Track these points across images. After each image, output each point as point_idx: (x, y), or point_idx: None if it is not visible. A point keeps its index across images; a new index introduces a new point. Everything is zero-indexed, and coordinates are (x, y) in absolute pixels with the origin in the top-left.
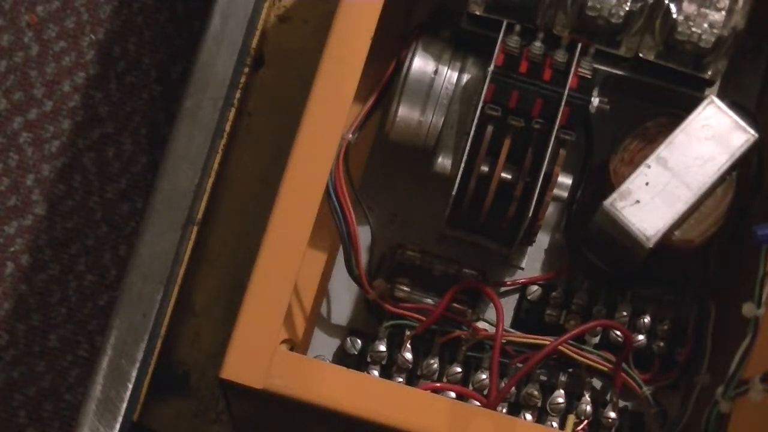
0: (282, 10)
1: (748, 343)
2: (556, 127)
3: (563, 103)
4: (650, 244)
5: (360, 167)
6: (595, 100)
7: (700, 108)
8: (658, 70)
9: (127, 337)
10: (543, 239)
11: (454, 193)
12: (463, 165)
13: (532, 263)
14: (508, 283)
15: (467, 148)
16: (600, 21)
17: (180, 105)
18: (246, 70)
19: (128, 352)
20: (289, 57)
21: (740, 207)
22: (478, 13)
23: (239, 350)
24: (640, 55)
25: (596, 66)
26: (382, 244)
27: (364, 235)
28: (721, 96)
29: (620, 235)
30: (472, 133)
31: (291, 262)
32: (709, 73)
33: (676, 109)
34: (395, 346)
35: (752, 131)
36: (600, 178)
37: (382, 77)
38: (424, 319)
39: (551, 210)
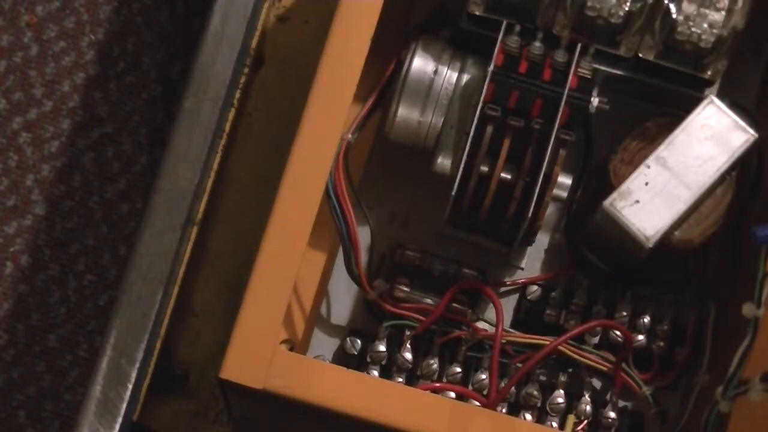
0: (282, 10)
1: (747, 343)
2: (555, 127)
3: (563, 103)
4: (650, 245)
5: (360, 167)
6: (595, 100)
7: (699, 108)
8: (658, 70)
9: (126, 337)
10: (543, 239)
11: (453, 193)
12: (462, 165)
13: (531, 263)
14: (508, 283)
15: (467, 148)
16: (600, 21)
17: (180, 105)
18: (246, 70)
19: (128, 352)
20: (289, 57)
21: (740, 207)
22: (477, 13)
23: (239, 350)
24: (640, 55)
25: (596, 66)
26: (381, 244)
27: (363, 235)
28: (721, 96)
29: (620, 235)
30: (471, 133)
31: (291, 262)
32: (709, 73)
33: (676, 109)
34: (395, 346)
35: (752, 131)
36: (600, 178)
37: (382, 77)
38: (423, 319)
39: (551, 210)
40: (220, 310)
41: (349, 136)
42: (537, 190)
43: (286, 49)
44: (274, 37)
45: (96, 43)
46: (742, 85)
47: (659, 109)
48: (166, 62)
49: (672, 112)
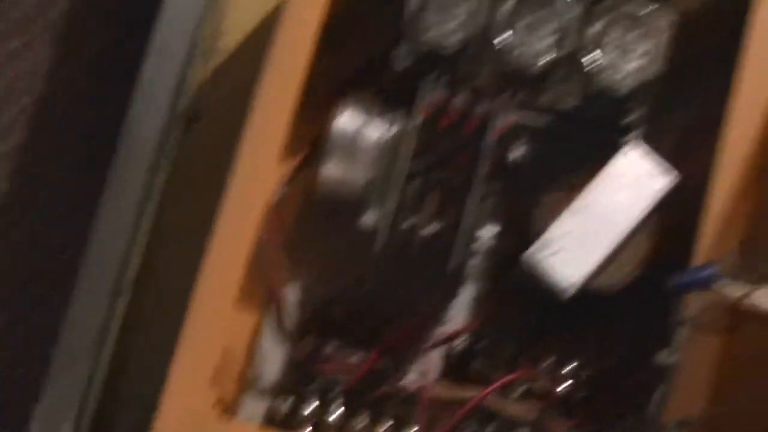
0: (215, 65)
1: (664, 390)
2: (479, 179)
3: (486, 156)
4: (570, 294)
5: (290, 223)
6: (517, 152)
7: (619, 155)
8: (580, 118)
9: (57, 409)
10: (470, 289)
11: (380, 247)
12: (389, 219)
13: (459, 313)
14: (436, 334)
15: (393, 202)
16: (521, 72)
17: (110, 169)
18: (179, 127)
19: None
20: (223, 111)
21: (662, 251)
22: (403, 67)
23: (170, 415)
24: (562, 104)
25: (518, 115)
26: (311, 301)
27: (294, 291)
28: (643, 140)
29: (543, 284)
30: (397, 187)
31: (219, 322)
32: (630, 119)
33: (598, 156)
34: (326, 405)
35: (670, 176)
36: (523, 227)
37: (312, 133)
38: (353, 375)
39: (477, 259)
40: (154, 374)
41: (280, 192)
42: (462, 242)
43: (220, 103)
44: (207, 92)
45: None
46: (663, 130)
47: (581, 157)
48: (95, 124)
49: (594, 158)
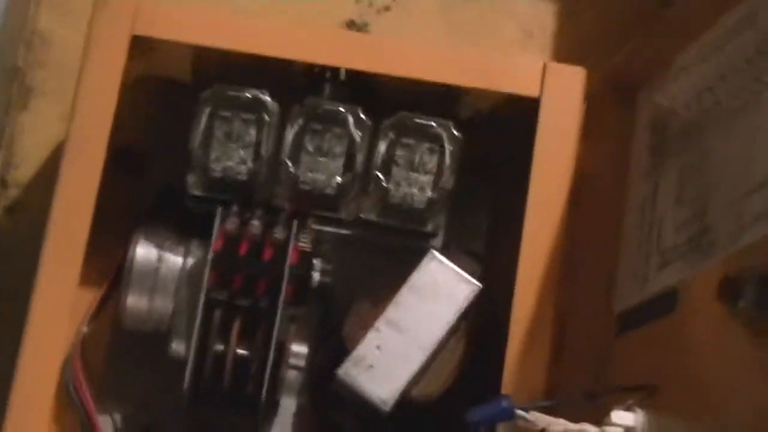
0: (10, 201)
1: None
2: (280, 305)
3: (285, 281)
4: (387, 408)
5: (100, 357)
6: (316, 275)
7: (423, 264)
8: (382, 228)
9: None
10: (290, 404)
11: (188, 377)
12: (194, 349)
13: (283, 430)
14: None
15: (196, 332)
16: (316, 193)
17: None
18: None
19: None
20: (21, 248)
21: (477, 355)
22: (197, 193)
23: None
24: (362, 218)
25: (321, 228)
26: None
27: (109, 424)
28: (450, 241)
29: (358, 401)
30: (199, 318)
31: None
32: (430, 227)
33: (403, 266)
34: None
35: (475, 282)
36: (336, 342)
37: (112, 264)
38: None
39: (295, 376)
40: None
41: (84, 328)
42: (271, 365)
43: (17, 240)
44: (4, 229)
45: None
46: (469, 227)
47: (387, 268)
48: None
49: (399, 269)
